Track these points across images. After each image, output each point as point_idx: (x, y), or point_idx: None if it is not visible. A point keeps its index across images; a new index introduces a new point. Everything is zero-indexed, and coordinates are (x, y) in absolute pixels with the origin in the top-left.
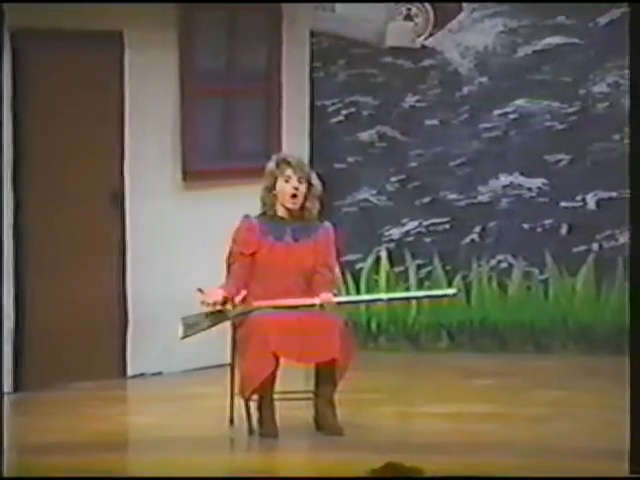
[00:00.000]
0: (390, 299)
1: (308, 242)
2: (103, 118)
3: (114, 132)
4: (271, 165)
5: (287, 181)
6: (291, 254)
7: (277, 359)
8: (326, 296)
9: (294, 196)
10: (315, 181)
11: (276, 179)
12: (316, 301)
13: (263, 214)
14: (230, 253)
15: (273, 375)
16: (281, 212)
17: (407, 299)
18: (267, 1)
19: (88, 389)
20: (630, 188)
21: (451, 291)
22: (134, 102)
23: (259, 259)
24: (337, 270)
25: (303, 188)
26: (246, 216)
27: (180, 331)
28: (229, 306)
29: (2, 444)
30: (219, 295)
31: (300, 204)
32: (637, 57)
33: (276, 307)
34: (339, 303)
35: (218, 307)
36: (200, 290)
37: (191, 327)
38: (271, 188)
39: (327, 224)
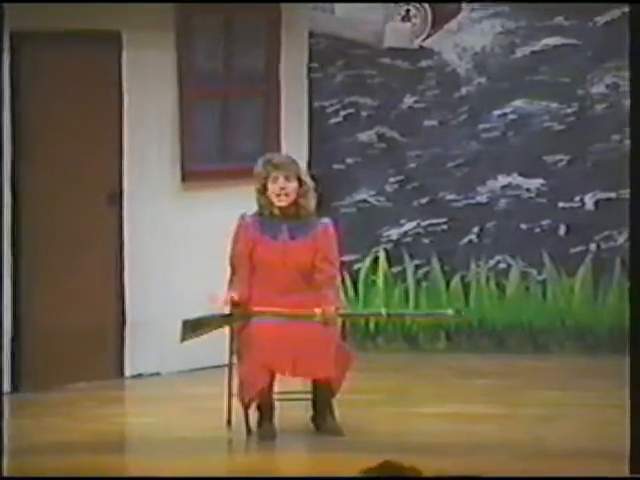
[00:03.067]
0: (390, 315)
1: (306, 240)
2: (101, 119)
3: (112, 133)
4: (258, 168)
5: (275, 181)
6: (287, 252)
7: (274, 371)
8: (328, 310)
9: (283, 195)
10: (306, 178)
11: (265, 181)
12: (317, 311)
13: (260, 213)
14: (232, 255)
15: (270, 384)
16: (276, 211)
17: (406, 316)
18: (267, 1)
19: (86, 390)
20: (630, 188)
21: (450, 311)
22: (132, 103)
23: (255, 258)
24: (338, 265)
25: (291, 186)
26: (242, 215)
27: (179, 334)
28: (235, 309)
29: (2, 444)
30: (234, 298)
31: (291, 201)
32: (637, 57)
33: (276, 315)
34: (341, 316)
35: (226, 311)
36: (212, 298)
37: (191, 330)
38: (263, 190)
39: (326, 220)
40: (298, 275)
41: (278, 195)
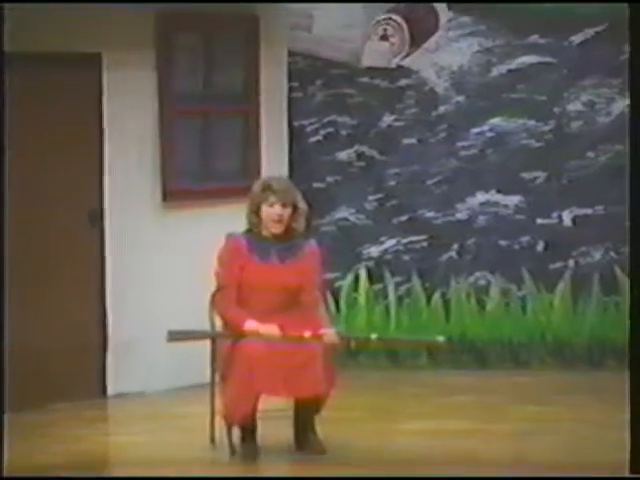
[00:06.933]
0: (379, 339)
1: (294, 262)
2: (82, 139)
3: (93, 152)
4: (256, 189)
5: (271, 206)
6: (276, 275)
7: (259, 394)
8: (328, 334)
9: (278, 221)
10: (301, 203)
11: (260, 204)
12: (307, 335)
13: (249, 231)
14: (221, 274)
15: (255, 406)
16: (266, 232)
17: (395, 342)
18: (258, 1)
19: (68, 409)
20: (630, 192)
21: (441, 338)
22: (113, 123)
23: (243, 278)
24: (322, 286)
25: (287, 212)
26: (230, 234)
27: (167, 336)
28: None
29: (2, 444)
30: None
31: (285, 227)
32: (637, 57)
33: (265, 338)
34: (343, 339)
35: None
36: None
37: (178, 336)
38: (255, 211)
39: (312, 242)
40: (284, 296)
41: (274, 221)
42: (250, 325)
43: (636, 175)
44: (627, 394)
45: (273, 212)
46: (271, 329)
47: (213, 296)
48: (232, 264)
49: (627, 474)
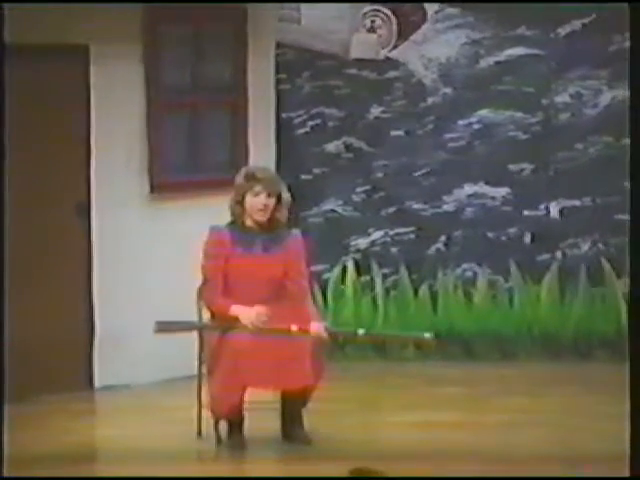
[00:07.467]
0: (366, 334)
1: (278, 252)
2: (69, 131)
3: (80, 144)
4: (240, 179)
5: (256, 196)
6: (260, 265)
7: (245, 386)
8: (317, 327)
9: (263, 210)
10: (285, 194)
11: (245, 193)
12: (293, 329)
13: (232, 223)
14: (205, 266)
15: (241, 398)
16: (250, 222)
17: (383, 337)
18: (248, 1)
19: (55, 402)
20: (630, 188)
21: (428, 335)
22: (100, 115)
23: (228, 270)
24: (308, 276)
25: (272, 202)
26: (213, 227)
27: (154, 327)
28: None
29: (2, 444)
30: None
31: (269, 217)
32: (637, 57)
33: (252, 330)
34: (330, 334)
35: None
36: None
37: (166, 327)
38: (240, 201)
39: (296, 232)
40: (270, 287)
41: (259, 210)
42: (236, 309)
43: (637, 169)
44: (627, 387)
45: (258, 201)
46: (258, 310)
47: (199, 290)
48: (216, 257)
49: (626, 468)
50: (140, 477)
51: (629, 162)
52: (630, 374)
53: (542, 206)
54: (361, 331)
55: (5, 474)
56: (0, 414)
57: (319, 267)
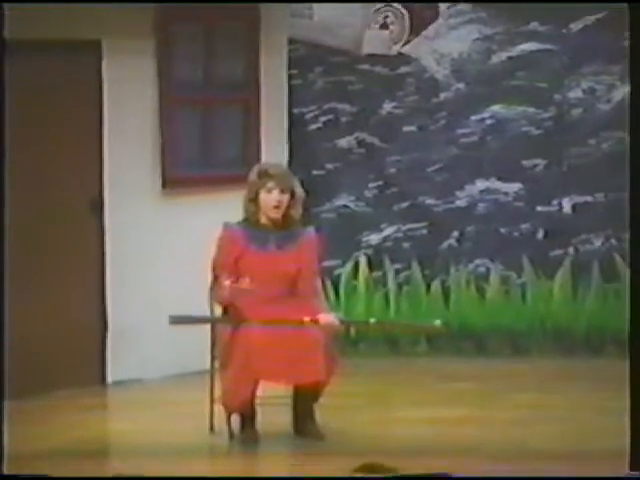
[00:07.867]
0: (377, 323)
1: (292, 249)
2: (82, 126)
3: (93, 140)
4: (253, 177)
5: (269, 192)
6: (274, 263)
7: (258, 380)
8: (327, 318)
9: (277, 207)
10: (298, 189)
11: (258, 190)
12: (306, 320)
13: (246, 220)
14: (216, 263)
15: (254, 392)
16: (264, 220)
17: (395, 326)
18: (249, 1)
19: (67, 397)
20: (630, 188)
21: (438, 322)
22: (113, 110)
23: (242, 267)
24: (319, 274)
25: (286, 198)
26: (227, 224)
27: (169, 319)
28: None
29: (2, 444)
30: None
31: (283, 214)
32: (637, 57)
33: (265, 322)
34: (342, 322)
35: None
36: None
37: (180, 320)
38: (253, 198)
39: (310, 229)
40: (283, 284)
41: (273, 207)
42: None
43: (636, 163)
44: (627, 383)
45: (272, 198)
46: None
47: (211, 287)
48: (227, 254)
49: (627, 465)
50: (141, 477)
51: (629, 156)
52: (630, 370)
53: (555, 202)
54: (373, 320)
55: (16, 469)
56: (13, 409)
57: (331, 263)
